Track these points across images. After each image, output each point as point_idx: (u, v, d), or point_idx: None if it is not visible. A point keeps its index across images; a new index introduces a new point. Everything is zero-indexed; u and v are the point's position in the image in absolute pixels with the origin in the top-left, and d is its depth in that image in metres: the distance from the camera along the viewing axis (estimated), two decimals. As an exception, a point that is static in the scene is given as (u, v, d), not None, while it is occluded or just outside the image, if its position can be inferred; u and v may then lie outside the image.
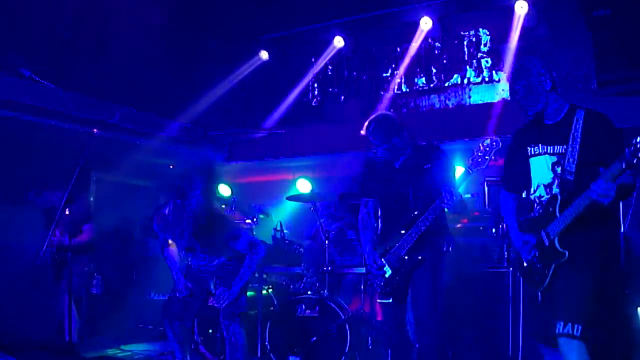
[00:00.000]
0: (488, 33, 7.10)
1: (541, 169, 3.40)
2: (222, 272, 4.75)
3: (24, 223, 6.25)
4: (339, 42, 7.71)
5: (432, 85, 7.42)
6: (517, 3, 6.54)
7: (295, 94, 8.09)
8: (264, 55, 8.10)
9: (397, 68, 7.59)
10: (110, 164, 7.09)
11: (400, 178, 4.11)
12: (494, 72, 7.05)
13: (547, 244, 3.25)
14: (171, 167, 8.20)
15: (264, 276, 6.05)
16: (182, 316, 4.77)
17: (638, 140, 2.75)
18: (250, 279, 4.78)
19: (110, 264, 7.37)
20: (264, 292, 5.98)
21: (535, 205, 3.42)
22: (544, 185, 3.38)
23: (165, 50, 7.49)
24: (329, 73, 8.10)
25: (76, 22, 6.52)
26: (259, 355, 5.44)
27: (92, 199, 7.40)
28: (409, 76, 7.53)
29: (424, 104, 7.48)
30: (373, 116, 4.18)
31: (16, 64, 5.54)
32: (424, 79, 7.46)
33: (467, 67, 7.19)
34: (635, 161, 2.79)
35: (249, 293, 6.05)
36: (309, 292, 5.60)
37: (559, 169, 3.29)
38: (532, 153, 3.46)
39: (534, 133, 3.48)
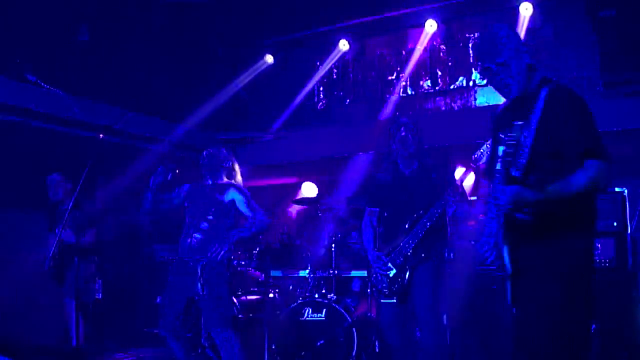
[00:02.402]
0: (493, 35, 7.07)
1: None
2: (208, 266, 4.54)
3: (30, 228, 6.28)
4: (344, 45, 7.71)
5: (437, 88, 7.40)
6: (522, 4, 6.53)
7: (301, 98, 8.08)
8: (269, 59, 8.10)
9: (402, 71, 7.56)
10: (116, 169, 7.10)
11: (411, 184, 4.23)
12: (499, 74, 7.02)
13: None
14: (177, 172, 8.21)
15: (270, 280, 6.05)
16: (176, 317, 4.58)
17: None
18: (242, 239, 4.63)
19: (116, 268, 7.38)
20: (270, 295, 5.97)
21: None
22: None
23: (170, 54, 7.51)
24: (334, 77, 8.10)
25: (82, 27, 6.55)
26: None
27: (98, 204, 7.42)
28: (415, 79, 7.51)
29: (429, 106, 7.46)
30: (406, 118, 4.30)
31: (22, 69, 5.57)
32: (429, 81, 7.44)
33: (473, 69, 7.17)
34: None
35: (254, 297, 6.07)
36: (315, 296, 5.59)
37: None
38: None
39: (508, 113, 2.86)
